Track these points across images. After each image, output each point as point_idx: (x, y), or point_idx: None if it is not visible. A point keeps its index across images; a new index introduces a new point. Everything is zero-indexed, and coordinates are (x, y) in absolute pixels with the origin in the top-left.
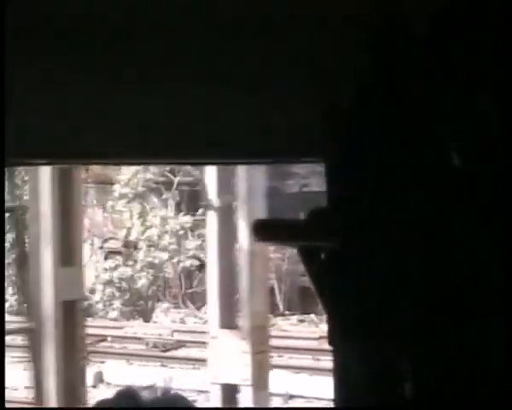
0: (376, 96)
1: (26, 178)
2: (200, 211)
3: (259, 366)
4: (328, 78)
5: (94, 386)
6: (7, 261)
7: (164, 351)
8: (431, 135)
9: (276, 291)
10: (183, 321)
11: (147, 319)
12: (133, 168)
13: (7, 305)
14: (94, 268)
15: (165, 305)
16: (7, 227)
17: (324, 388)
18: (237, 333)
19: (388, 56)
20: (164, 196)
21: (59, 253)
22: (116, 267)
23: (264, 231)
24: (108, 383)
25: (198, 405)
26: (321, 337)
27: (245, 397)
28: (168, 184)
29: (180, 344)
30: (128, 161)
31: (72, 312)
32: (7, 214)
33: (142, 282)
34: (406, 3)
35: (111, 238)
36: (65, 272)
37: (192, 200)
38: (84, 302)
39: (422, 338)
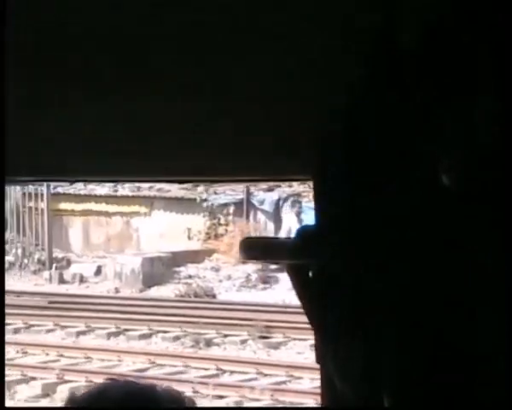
0: (367, 116)
1: None
2: None
3: None
4: (320, 95)
5: None
6: None
7: None
8: (425, 152)
9: None
10: None
11: None
12: None
13: None
14: None
15: None
16: None
17: None
18: None
19: (381, 72)
20: None
21: None
22: None
23: (251, 249)
24: None
25: None
26: None
27: None
28: None
29: None
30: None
31: None
32: None
33: None
34: (403, 14)
35: None
36: None
37: None
38: None
39: (410, 355)
